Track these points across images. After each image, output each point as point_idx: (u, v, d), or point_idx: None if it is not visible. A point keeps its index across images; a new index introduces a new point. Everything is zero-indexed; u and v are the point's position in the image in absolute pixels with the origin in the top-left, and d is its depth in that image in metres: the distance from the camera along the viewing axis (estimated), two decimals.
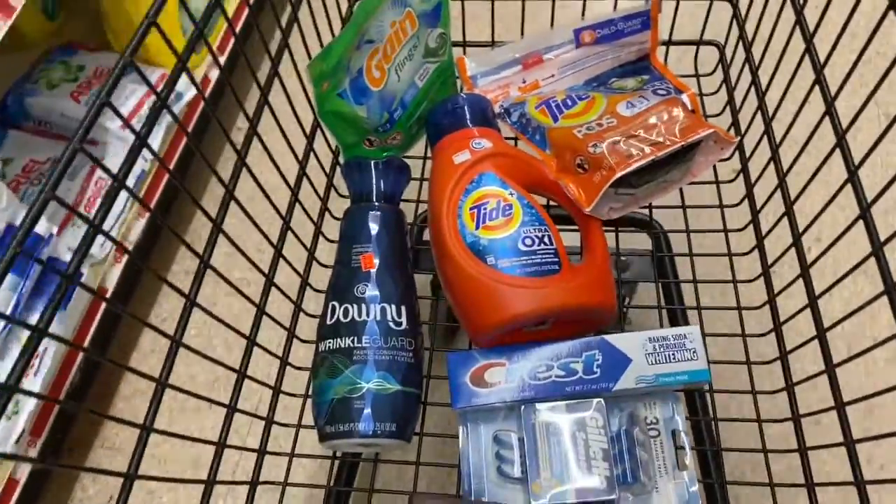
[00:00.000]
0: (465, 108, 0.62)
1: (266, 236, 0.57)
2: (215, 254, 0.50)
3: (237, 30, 1.30)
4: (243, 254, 0.54)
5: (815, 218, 0.54)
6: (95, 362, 1.03)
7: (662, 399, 0.57)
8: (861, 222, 0.47)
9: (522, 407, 0.55)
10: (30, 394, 0.31)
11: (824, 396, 0.51)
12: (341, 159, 0.65)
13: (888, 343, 0.44)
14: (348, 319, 0.56)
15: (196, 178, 1.34)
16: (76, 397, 1.00)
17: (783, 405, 0.56)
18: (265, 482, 0.56)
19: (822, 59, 0.54)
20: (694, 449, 0.55)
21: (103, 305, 1.01)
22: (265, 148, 0.56)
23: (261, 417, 0.56)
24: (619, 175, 0.56)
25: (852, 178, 0.48)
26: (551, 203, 0.65)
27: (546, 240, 0.56)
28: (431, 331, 1.00)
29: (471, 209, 0.57)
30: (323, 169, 0.68)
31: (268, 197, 0.56)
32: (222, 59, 1.30)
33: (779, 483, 0.54)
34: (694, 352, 0.55)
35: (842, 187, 0.49)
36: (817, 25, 0.55)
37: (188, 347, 0.45)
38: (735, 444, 0.57)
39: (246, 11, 1.32)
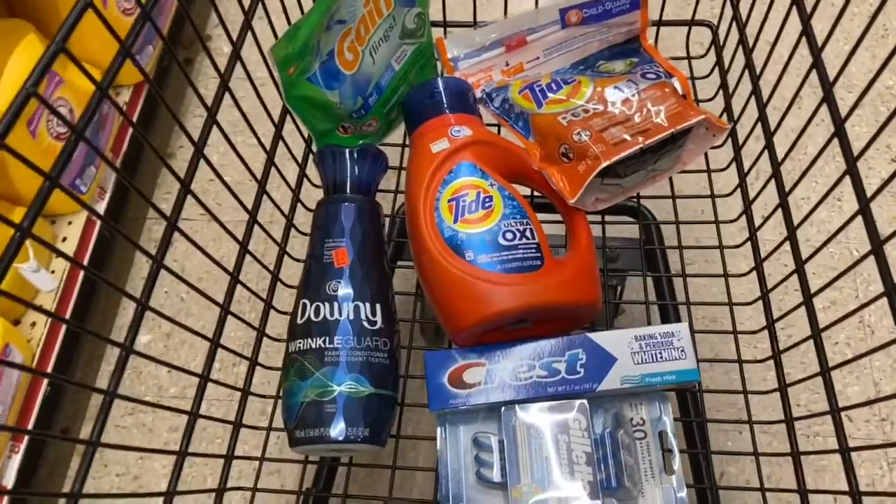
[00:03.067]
0: (444, 93, 0.59)
1: (229, 231, 0.54)
2: (178, 251, 0.47)
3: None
4: (203, 252, 0.50)
5: (812, 211, 0.51)
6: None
7: (649, 399, 0.54)
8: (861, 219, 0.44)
9: (503, 409, 0.53)
10: None
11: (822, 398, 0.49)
12: (314, 147, 0.62)
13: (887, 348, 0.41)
14: (320, 319, 0.54)
15: (147, 169, 1.27)
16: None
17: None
18: (233, 488, 0.54)
19: (820, 42, 0.51)
20: (682, 452, 0.52)
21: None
22: (225, 136, 0.52)
23: (228, 422, 0.54)
24: (604, 165, 0.53)
25: (851, 170, 0.45)
26: (535, 193, 0.62)
27: (528, 234, 0.54)
28: (420, 328, 0.98)
29: (449, 201, 0.54)
30: (294, 158, 0.65)
31: (229, 188, 0.53)
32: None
33: (770, 488, 0.52)
34: (682, 350, 0.52)
35: (839, 180, 0.46)
36: (815, 5, 0.52)
37: (140, 354, 0.42)
38: (743, 445, 0.55)
39: None
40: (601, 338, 0.53)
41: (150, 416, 1.03)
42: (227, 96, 0.54)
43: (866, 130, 1.10)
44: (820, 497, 0.46)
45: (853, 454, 0.44)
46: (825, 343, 0.47)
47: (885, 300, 0.40)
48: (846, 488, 0.44)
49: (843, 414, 0.43)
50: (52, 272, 1.01)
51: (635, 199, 0.68)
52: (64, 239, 1.05)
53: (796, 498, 0.50)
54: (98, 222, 1.05)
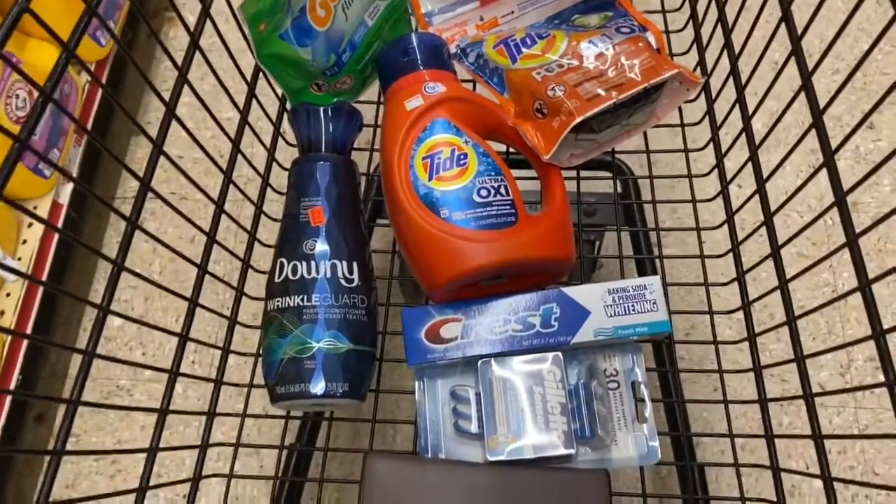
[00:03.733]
0: (417, 49, 0.59)
1: (204, 192, 0.53)
2: (150, 229, 0.47)
3: None
4: (179, 212, 0.50)
5: (780, 164, 0.52)
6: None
7: (622, 350, 0.56)
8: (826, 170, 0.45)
9: (479, 362, 0.54)
10: None
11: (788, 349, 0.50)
12: (289, 106, 0.62)
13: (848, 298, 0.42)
14: (297, 277, 0.54)
15: (113, 146, 1.25)
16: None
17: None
18: (216, 444, 0.55)
19: None
20: (656, 401, 0.54)
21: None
22: (195, 94, 0.52)
23: (209, 379, 0.54)
24: (578, 120, 0.54)
25: (817, 122, 0.45)
26: (510, 149, 0.63)
27: (502, 190, 0.54)
28: (400, 285, 0.99)
29: (423, 159, 0.55)
30: (268, 117, 0.65)
31: (202, 148, 0.53)
32: None
33: (738, 434, 0.53)
34: (654, 303, 0.53)
35: (806, 132, 0.47)
36: None
37: (118, 314, 0.43)
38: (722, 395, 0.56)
39: None
40: (575, 292, 0.54)
41: (126, 398, 1.04)
42: (199, 65, 0.53)
43: (840, 97, 1.11)
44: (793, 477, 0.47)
45: (824, 434, 0.45)
46: (797, 311, 0.48)
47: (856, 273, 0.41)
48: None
49: (817, 383, 0.44)
50: (19, 259, 1.01)
51: (610, 154, 0.68)
52: (29, 225, 1.04)
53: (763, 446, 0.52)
54: (65, 206, 1.04)
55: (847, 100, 1.12)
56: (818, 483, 0.79)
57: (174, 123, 0.50)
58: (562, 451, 0.51)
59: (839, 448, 0.83)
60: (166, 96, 0.51)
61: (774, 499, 0.50)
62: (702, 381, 0.87)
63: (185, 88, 0.51)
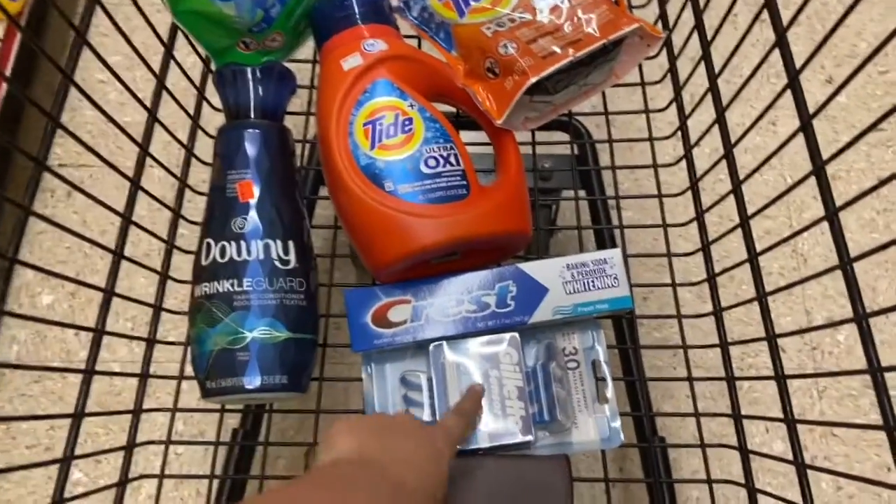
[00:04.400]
0: (355, 1, 0.53)
1: (115, 167, 0.47)
2: (79, 201, 0.41)
3: None
4: (86, 194, 0.44)
5: (752, 126, 0.48)
6: None
7: (582, 328, 0.53)
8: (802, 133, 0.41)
9: (431, 346, 0.50)
10: None
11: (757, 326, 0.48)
12: (213, 67, 0.56)
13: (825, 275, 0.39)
14: (226, 259, 0.49)
15: (35, 115, 1.13)
16: None
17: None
18: (144, 443, 0.50)
19: None
20: (616, 380, 0.51)
21: None
22: (98, 56, 0.45)
23: (132, 374, 0.49)
24: (533, 80, 0.49)
25: (792, 84, 0.42)
26: (460, 111, 0.58)
27: (452, 160, 0.50)
28: (352, 260, 0.94)
29: (364, 125, 0.50)
30: (191, 80, 0.58)
31: (111, 119, 0.46)
32: None
33: (704, 413, 0.51)
34: (615, 278, 0.50)
35: (781, 92, 0.43)
36: None
37: (13, 314, 0.37)
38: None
39: None
40: (532, 268, 0.50)
41: (59, 382, 0.96)
42: (123, 22, 0.46)
43: (802, 49, 1.07)
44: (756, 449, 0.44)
45: (797, 419, 0.42)
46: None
47: (816, 228, 0.38)
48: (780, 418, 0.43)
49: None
50: None
51: (567, 115, 0.64)
52: None
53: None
54: None
55: (805, 52, 1.09)
56: (783, 441, 0.78)
57: (100, 85, 0.43)
58: (519, 437, 0.48)
59: (798, 410, 0.82)
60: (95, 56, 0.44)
61: (742, 480, 0.48)
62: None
63: (111, 47, 0.45)
